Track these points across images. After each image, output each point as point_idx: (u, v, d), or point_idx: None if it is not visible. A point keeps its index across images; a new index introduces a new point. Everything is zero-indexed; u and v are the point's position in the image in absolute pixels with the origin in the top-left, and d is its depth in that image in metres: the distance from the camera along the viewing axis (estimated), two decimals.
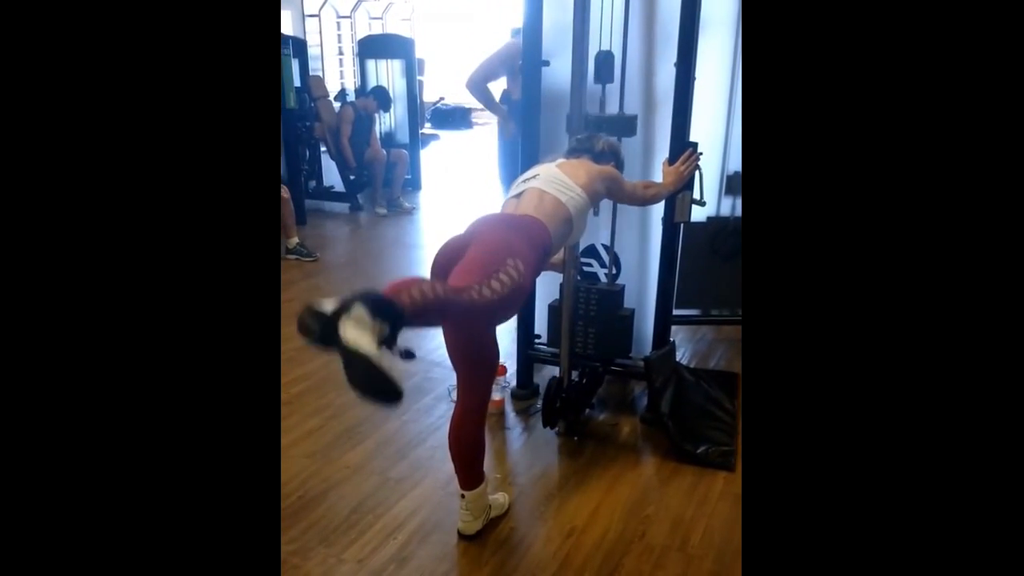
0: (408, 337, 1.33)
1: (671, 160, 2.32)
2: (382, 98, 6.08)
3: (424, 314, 1.37)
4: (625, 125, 2.38)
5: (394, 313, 1.30)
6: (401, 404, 1.26)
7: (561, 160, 2.05)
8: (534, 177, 1.92)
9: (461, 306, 1.47)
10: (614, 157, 2.14)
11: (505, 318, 1.69)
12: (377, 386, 1.23)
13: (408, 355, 1.32)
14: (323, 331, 1.24)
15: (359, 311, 1.25)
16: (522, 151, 2.51)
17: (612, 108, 2.45)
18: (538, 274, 1.81)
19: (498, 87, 3.43)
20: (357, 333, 1.24)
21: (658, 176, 2.35)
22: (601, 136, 2.17)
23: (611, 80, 2.39)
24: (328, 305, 1.26)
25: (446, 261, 1.70)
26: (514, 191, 1.94)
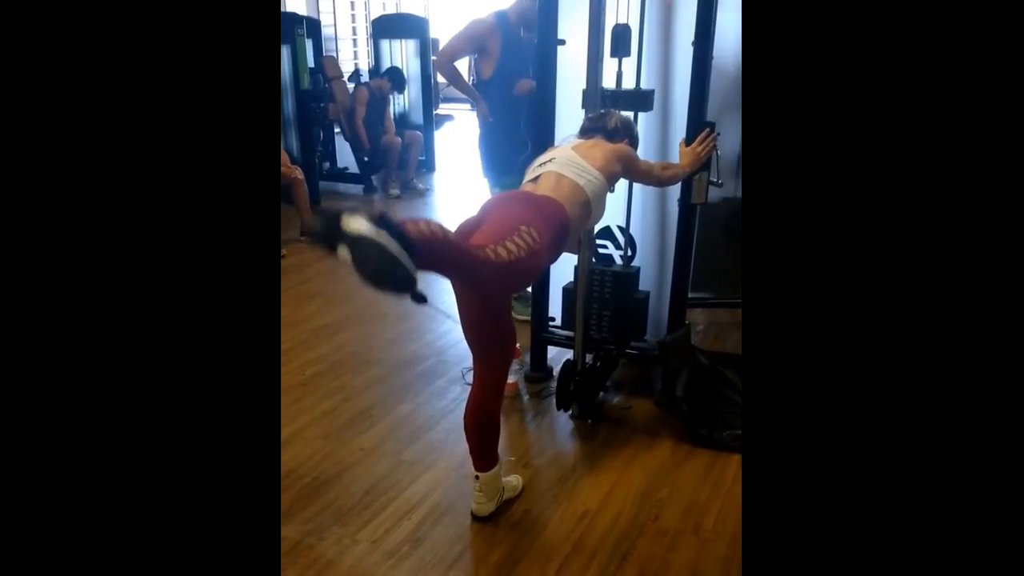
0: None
1: (688, 141, 2.28)
2: (396, 79, 6.04)
3: (430, 250, 1.34)
4: (642, 100, 2.34)
5: (396, 231, 1.26)
6: (415, 287, 1.25)
7: (576, 141, 2.02)
8: (550, 161, 1.89)
9: (472, 260, 1.44)
10: (627, 134, 2.11)
11: (519, 286, 1.66)
12: (389, 268, 1.22)
13: (420, 298, 1.30)
14: (326, 225, 1.23)
15: (362, 215, 1.25)
16: (534, 132, 2.49)
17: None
18: (557, 255, 1.78)
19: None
20: (363, 223, 1.22)
21: (675, 155, 2.32)
22: (614, 113, 2.13)
23: (628, 54, 2.34)
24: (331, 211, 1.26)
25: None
26: (530, 175, 1.91)
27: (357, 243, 1.21)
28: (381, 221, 1.25)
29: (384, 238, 1.22)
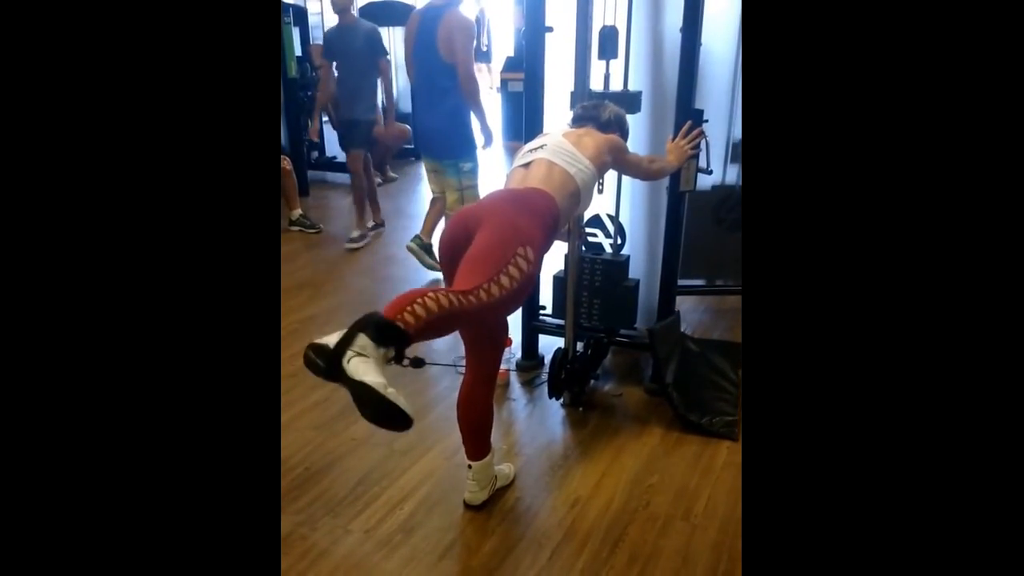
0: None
1: (674, 131, 2.29)
2: None
3: (430, 328, 1.37)
4: (630, 101, 2.35)
5: (398, 335, 1.31)
6: (410, 426, 1.30)
7: (567, 129, 2.02)
8: (541, 147, 1.89)
9: (469, 311, 1.46)
10: (619, 128, 2.11)
11: (516, 308, 1.69)
12: (386, 415, 1.26)
13: (418, 363, 1.35)
14: (328, 367, 1.26)
15: (363, 341, 1.27)
16: (525, 119, 2.48)
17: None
18: (547, 251, 1.79)
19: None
20: (363, 365, 1.25)
21: (665, 149, 2.32)
22: (608, 104, 2.12)
23: (615, 56, 2.34)
24: (332, 339, 1.27)
25: (454, 242, 1.68)
26: (521, 160, 1.91)
27: (357, 388, 1.24)
28: (378, 332, 1.28)
29: (382, 387, 1.24)
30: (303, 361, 1.29)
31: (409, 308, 1.34)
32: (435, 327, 1.39)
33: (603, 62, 2.33)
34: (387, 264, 4.09)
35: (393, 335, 1.30)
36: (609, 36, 2.31)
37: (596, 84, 2.34)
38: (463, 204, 3.42)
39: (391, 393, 1.24)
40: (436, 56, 3.28)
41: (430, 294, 1.37)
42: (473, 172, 3.48)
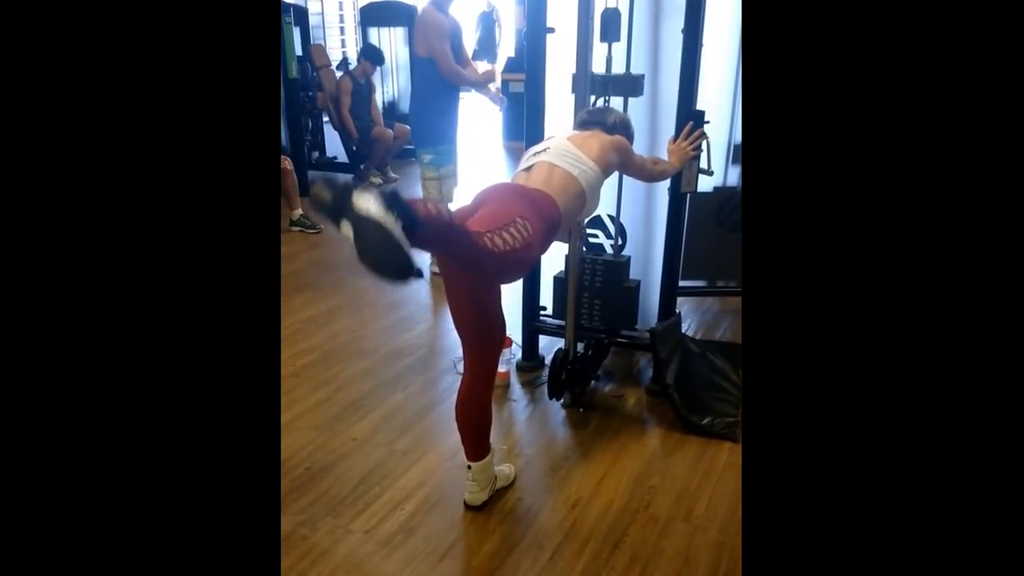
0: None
1: (676, 132, 2.29)
2: (373, 56, 5.92)
3: (433, 232, 1.34)
4: (632, 85, 2.34)
5: (406, 211, 1.26)
6: (415, 278, 1.24)
7: (572, 132, 2.02)
8: (544, 150, 1.89)
9: (471, 245, 1.45)
10: (625, 132, 2.11)
11: (511, 277, 1.69)
12: (390, 255, 1.20)
13: (417, 273, 1.29)
14: (336, 198, 1.22)
15: (373, 194, 1.23)
16: (527, 121, 2.48)
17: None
18: (547, 247, 1.79)
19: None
20: (370, 203, 1.21)
21: (664, 146, 2.32)
22: (613, 109, 2.13)
23: (617, 39, 2.33)
24: (340, 185, 1.25)
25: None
26: (524, 163, 1.91)
27: (362, 222, 1.20)
28: (390, 199, 1.24)
29: (390, 223, 1.20)
30: (310, 199, 1.24)
31: (422, 202, 1.33)
32: (438, 234, 1.37)
33: (605, 45, 2.32)
34: None
35: (402, 207, 1.25)
36: (611, 19, 2.30)
37: (598, 67, 2.32)
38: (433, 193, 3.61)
39: (397, 233, 1.19)
40: (414, 52, 3.57)
41: (443, 204, 1.39)
42: (433, 164, 3.60)
